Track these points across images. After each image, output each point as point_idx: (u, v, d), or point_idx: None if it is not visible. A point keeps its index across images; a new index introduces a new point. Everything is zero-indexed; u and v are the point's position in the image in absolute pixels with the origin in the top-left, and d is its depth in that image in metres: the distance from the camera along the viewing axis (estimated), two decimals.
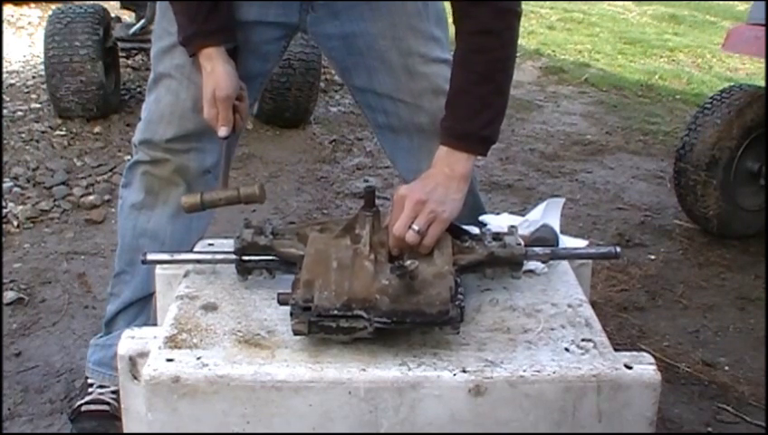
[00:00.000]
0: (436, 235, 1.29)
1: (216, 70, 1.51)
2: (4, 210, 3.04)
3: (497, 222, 1.49)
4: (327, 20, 1.63)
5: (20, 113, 4.06)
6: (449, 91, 1.42)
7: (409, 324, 1.16)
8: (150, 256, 1.40)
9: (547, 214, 1.51)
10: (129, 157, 1.97)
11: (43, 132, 3.82)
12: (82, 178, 3.40)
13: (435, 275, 1.21)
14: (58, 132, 3.84)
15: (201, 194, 1.45)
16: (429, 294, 1.17)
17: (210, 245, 1.51)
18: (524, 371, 1.12)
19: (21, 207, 3.09)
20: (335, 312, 1.14)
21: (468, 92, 1.39)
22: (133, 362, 1.20)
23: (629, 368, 1.13)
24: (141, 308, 1.82)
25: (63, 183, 3.33)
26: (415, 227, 1.27)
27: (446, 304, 1.16)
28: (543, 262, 1.39)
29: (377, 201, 1.34)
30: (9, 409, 2.00)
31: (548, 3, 8.00)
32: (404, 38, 1.62)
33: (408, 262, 1.17)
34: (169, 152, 1.68)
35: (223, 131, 1.51)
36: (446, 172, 1.35)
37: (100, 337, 1.92)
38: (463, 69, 1.40)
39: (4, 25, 5.55)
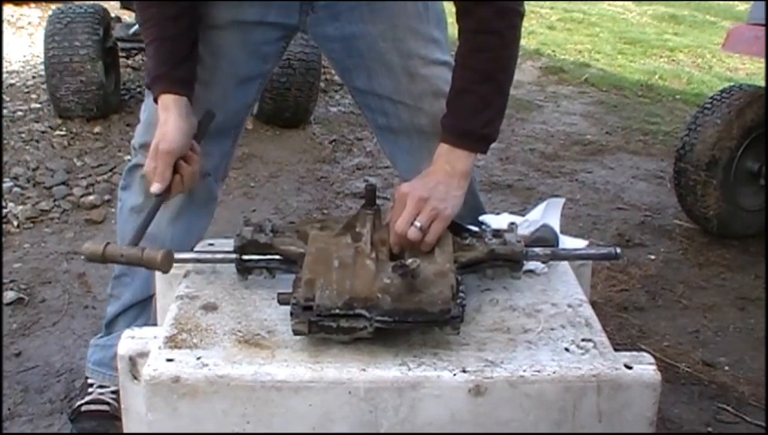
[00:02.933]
0: (437, 232, 1.29)
1: (168, 122, 1.44)
2: (5, 210, 3.04)
3: (497, 222, 1.49)
4: (327, 21, 1.63)
5: (20, 113, 4.06)
6: (451, 89, 1.43)
7: (411, 323, 1.15)
8: None
9: (547, 214, 1.51)
10: (128, 157, 1.97)
11: (43, 132, 3.82)
12: (82, 178, 3.40)
13: (436, 273, 1.21)
14: (58, 132, 3.84)
15: (105, 245, 1.31)
16: (431, 292, 1.17)
17: (210, 244, 1.51)
18: (524, 371, 1.12)
19: (21, 207, 3.09)
20: (337, 311, 1.14)
21: (470, 91, 1.39)
22: (133, 362, 1.20)
23: (629, 368, 1.13)
24: (142, 310, 1.82)
25: (63, 183, 3.33)
26: (417, 223, 1.27)
27: (447, 302, 1.16)
28: (543, 262, 1.39)
29: (377, 201, 1.34)
30: (9, 409, 2.00)
31: (548, 3, 8.01)
32: (404, 40, 1.62)
33: (410, 260, 1.17)
34: None
35: (155, 187, 1.42)
36: (446, 170, 1.35)
37: (101, 337, 1.91)
38: (465, 67, 1.40)
39: (5, 25, 5.55)
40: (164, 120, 1.44)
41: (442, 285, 1.18)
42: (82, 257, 1.33)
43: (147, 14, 1.51)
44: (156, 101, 1.49)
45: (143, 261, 1.28)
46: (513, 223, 1.40)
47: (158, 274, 1.43)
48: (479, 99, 1.39)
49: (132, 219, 1.75)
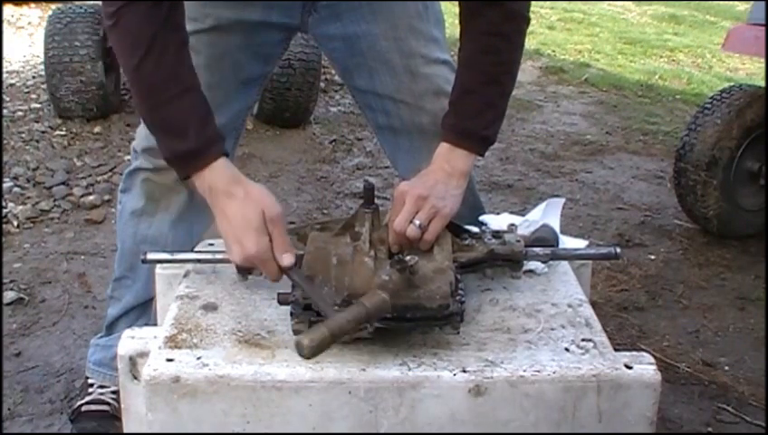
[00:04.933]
0: (436, 230, 1.29)
1: (251, 189, 1.25)
2: (5, 210, 3.04)
3: (497, 222, 1.49)
4: (329, 21, 1.63)
5: (20, 113, 4.06)
6: (454, 89, 1.43)
7: (410, 320, 1.15)
8: (150, 256, 1.39)
9: (547, 214, 1.51)
10: (128, 157, 1.96)
11: (43, 132, 3.83)
12: (82, 178, 3.40)
13: (435, 270, 1.21)
14: (58, 132, 3.84)
15: (329, 331, 1.07)
16: (429, 288, 1.17)
17: (210, 245, 1.50)
18: (524, 371, 1.12)
19: (21, 207, 3.09)
20: (335, 308, 1.14)
21: (474, 92, 1.40)
22: (133, 362, 1.20)
23: (629, 368, 1.13)
24: (142, 312, 1.82)
25: (63, 183, 3.33)
26: (416, 222, 1.27)
27: (446, 298, 1.16)
28: (543, 262, 1.39)
29: (377, 201, 1.34)
30: (9, 409, 2.00)
31: (548, 3, 8.01)
32: (405, 39, 1.62)
33: (408, 257, 1.18)
34: None
35: (289, 258, 1.22)
36: (445, 169, 1.35)
37: (101, 337, 1.91)
38: (470, 68, 1.40)
39: (5, 25, 5.55)
40: (244, 192, 1.24)
41: (440, 281, 1.19)
42: (306, 356, 1.04)
43: (156, 63, 1.26)
44: (185, 174, 1.29)
45: (372, 315, 1.09)
46: (512, 224, 1.40)
47: (158, 273, 1.43)
48: (483, 100, 1.40)
49: (133, 223, 1.75)
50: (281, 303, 1.22)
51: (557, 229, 1.47)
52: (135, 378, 1.20)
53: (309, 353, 1.03)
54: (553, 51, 6.50)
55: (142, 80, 1.27)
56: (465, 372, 1.11)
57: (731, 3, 9.30)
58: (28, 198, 3.19)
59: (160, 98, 1.27)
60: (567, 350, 1.17)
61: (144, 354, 1.18)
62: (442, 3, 1.70)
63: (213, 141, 1.28)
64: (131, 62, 1.26)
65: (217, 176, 1.26)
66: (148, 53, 1.24)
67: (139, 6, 1.25)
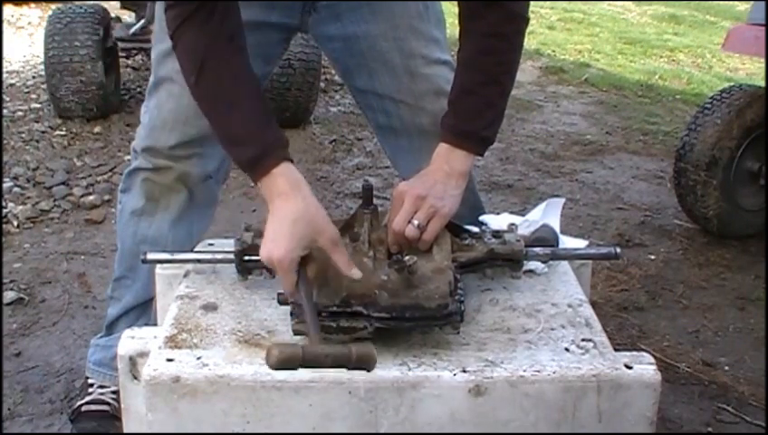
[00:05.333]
0: (435, 230, 1.29)
1: (310, 199, 1.22)
2: (4, 210, 3.04)
3: (497, 222, 1.49)
4: (329, 21, 1.63)
5: (20, 113, 4.06)
6: (453, 89, 1.43)
7: (409, 320, 1.16)
8: (150, 256, 1.40)
9: (547, 214, 1.51)
10: (128, 157, 1.96)
11: (43, 132, 3.83)
12: (82, 178, 3.40)
13: (434, 270, 1.21)
14: (58, 132, 3.84)
15: (302, 348, 1.00)
16: (428, 288, 1.17)
17: (210, 244, 1.50)
18: (524, 371, 1.12)
19: (21, 207, 3.09)
20: (334, 308, 1.14)
21: (474, 93, 1.40)
22: (133, 362, 1.20)
23: (629, 368, 1.13)
24: (142, 312, 1.82)
25: (63, 183, 3.33)
26: (415, 221, 1.27)
27: (445, 297, 1.16)
28: (543, 262, 1.39)
29: (376, 201, 1.34)
30: (9, 409, 2.00)
31: (548, 3, 8.01)
32: (406, 39, 1.62)
33: (407, 257, 1.18)
34: (172, 159, 1.66)
35: (357, 273, 1.19)
36: (444, 169, 1.35)
37: (101, 337, 1.91)
38: (470, 69, 1.40)
39: (5, 25, 5.55)
40: (305, 199, 1.22)
41: (439, 281, 1.19)
42: (270, 365, 0.98)
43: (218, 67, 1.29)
44: (253, 180, 1.26)
45: (353, 362, 1.01)
46: (512, 224, 1.40)
47: (158, 273, 1.43)
48: (483, 101, 1.40)
49: (133, 223, 1.75)
50: (281, 303, 1.22)
51: (557, 229, 1.47)
52: (135, 378, 1.20)
53: (274, 365, 0.97)
54: (553, 51, 6.50)
55: (201, 95, 1.31)
56: (465, 372, 1.11)
57: (731, 3, 9.30)
58: (28, 198, 3.19)
59: (220, 110, 1.30)
60: (567, 350, 1.17)
61: (144, 354, 1.18)
62: (442, 3, 1.70)
63: (273, 147, 1.27)
64: (190, 80, 1.31)
65: (281, 180, 1.24)
66: (202, 70, 1.28)
67: (193, 24, 1.28)
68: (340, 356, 1.00)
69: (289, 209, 1.21)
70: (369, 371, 1.03)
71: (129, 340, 1.22)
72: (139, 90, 4.44)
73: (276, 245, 1.18)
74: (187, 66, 1.32)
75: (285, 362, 0.98)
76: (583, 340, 1.20)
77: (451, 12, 1.49)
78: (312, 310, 1.11)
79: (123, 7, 4.53)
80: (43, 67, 4.08)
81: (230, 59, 1.30)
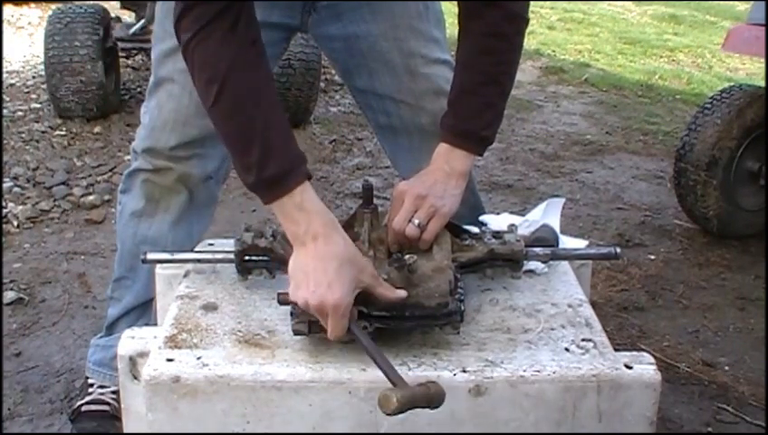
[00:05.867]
0: (435, 229, 1.29)
1: (348, 242, 1.18)
2: (5, 210, 3.04)
3: (497, 222, 1.49)
4: (329, 21, 1.63)
5: (20, 113, 4.06)
6: (453, 89, 1.43)
7: (409, 318, 1.15)
8: (150, 256, 1.40)
9: (547, 214, 1.51)
10: (128, 157, 1.96)
11: (43, 132, 3.83)
12: (82, 178, 3.40)
13: (434, 269, 1.21)
14: (58, 132, 3.84)
15: (397, 394, 1.02)
16: (428, 286, 1.17)
17: (210, 244, 1.50)
18: (524, 371, 1.12)
19: (21, 207, 3.09)
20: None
21: (473, 93, 1.39)
22: (133, 362, 1.20)
23: (629, 368, 1.13)
24: (143, 312, 1.82)
25: (63, 183, 3.33)
26: (415, 221, 1.27)
27: (444, 296, 1.16)
28: (543, 262, 1.39)
29: (376, 201, 1.34)
30: (9, 409, 2.00)
31: (548, 3, 8.01)
32: (406, 39, 1.62)
33: (407, 256, 1.18)
34: (173, 160, 1.66)
35: (403, 292, 1.17)
36: (444, 169, 1.35)
37: (101, 337, 1.91)
38: (469, 69, 1.40)
39: (5, 25, 5.55)
40: (345, 242, 1.17)
41: (439, 280, 1.19)
42: (391, 411, 0.99)
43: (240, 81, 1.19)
44: (266, 202, 1.21)
45: (433, 398, 1.04)
46: (512, 224, 1.40)
47: (158, 273, 1.43)
48: (482, 101, 1.39)
49: (133, 224, 1.75)
50: (281, 303, 1.22)
51: (557, 229, 1.47)
52: (135, 378, 1.20)
53: (395, 410, 0.99)
54: (553, 51, 6.50)
55: (224, 109, 1.21)
56: (465, 372, 1.11)
57: (731, 3, 9.30)
58: (28, 198, 3.19)
59: (243, 125, 1.20)
60: (567, 350, 1.17)
61: (144, 354, 1.18)
62: (442, 3, 1.70)
63: (298, 163, 1.21)
64: (211, 91, 1.19)
65: (315, 217, 1.18)
66: (227, 82, 1.18)
67: (217, 29, 1.17)
68: (427, 396, 1.02)
69: (333, 252, 1.15)
70: (437, 407, 1.03)
71: (130, 340, 1.22)
72: (139, 90, 4.44)
73: (331, 290, 1.11)
74: (207, 76, 1.20)
75: (406, 406, 0.99)
76: (583, 340, 1.20)
77: (451, 12, 1.49)
78: (383, 357, 1.08)
79: (123, 7, 4.52)
80: (43, 67, 4.08)
81: (257, 69, 1.21)
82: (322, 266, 1.13)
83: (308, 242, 1.17)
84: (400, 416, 1.10)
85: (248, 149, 1.20)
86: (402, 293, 1.15)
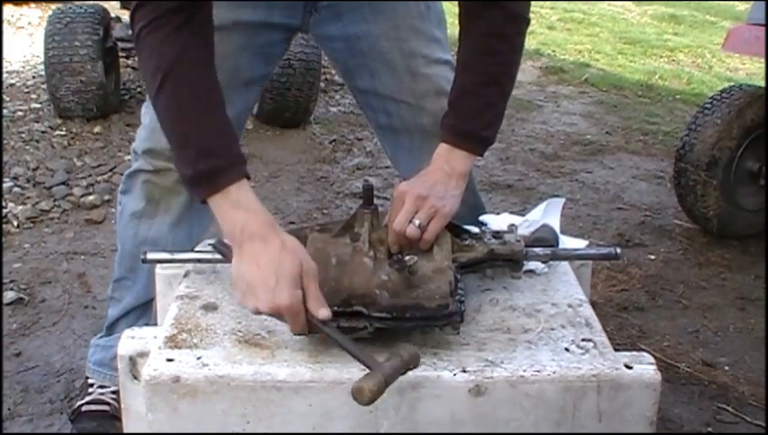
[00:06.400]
0: (436, 230, 1.29)
1: (287, 239, 1.17)
2: (5, 210, 3.04)
3: (497, 222, 1.49)
4: (330, 21, 1.63)
5: (20, 113, 4.06)
6: (453, 89, 1.43)
7: (409, 320, 1.16)
8: (150, 256, 1.39)
9: (547, 214, 1.51)
10: (128, 157, 1.96)
11: (43, 132, 3.83)
12: (82, 178, 3.40)
13: (434, 270, 1.21)
14: (58, 132, 3.84)
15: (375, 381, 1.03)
16: (429, 288, 1.17)
17: (210, 245, 1.50)
18: (524, 371, 1.12)
19: (21, 207, 3.09)
20: (335, 308, 1.14)
21: (474, 93, 1.39)
22: (133, 362, 1.20)
23: (629, 368, 1.13)
24: (143, 312, 1.82)
25: (63, 183, 3.33)
26: (416, 221, 1.27)
27: (445, 298, 1.16)
28: (543, 262, 1.39)
29: (376, 201, 1.34)
30: (9, 409, 2.00)
31: (548, 3, 8.01)
32: (407, 39, 1.62)
33: (408, 257, 1.18)
34: (173, 161, 1.66)
35: (326, 312, 1.12)
36: (445, 169, 1.35)
37: (101, 337, 1.92)
38: (470, 69, 1.40)
39: (5, 25, 5.55)
40: (283, 240, 1.16)
41: (440, 281, 1.19)
42: (365, 401, 1.01)
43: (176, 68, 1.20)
44: (201, 198, 1.21)
45: (410, 365, 1.07)
46: (512, 224, 1.40)
47: (158, 273, 1.43)
48: (483, 101, 1.39)
49: (133, 224, 1.75)
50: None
51: (557, 229, 1.47)
52: (135, 378, 1.20)
53: (369, 399, 1.00)
54: (553, 51, 6.50)
55: (165, 100, 1.23)
56: (465, 372, 1.11)
57: (731, 3, 9.30)
58: (28, 198, 3.19)
59: (184, 118, 1.22)
60: (567, 350, 1.17)
61: (144, 354, 1.18)
62: (443, 3, 1.70)
63: (237, 162, 1.22)
64: (153, 83, 1.21)
65: (251, 216, 1.18)
66: (170, 74, 1.20)
67: (165, 24, 1.20)
68: (400, 366, 1.04)
69: (274, 254, 1.14)
70: (416, 367, 1.06)
71: (130, 340, 1.22)
72: (139, 90, 4.44)
73: (275, 294, 1.11)
74: (154, 64, 1.22)
75: (379, 393, 1.01)
76: (583, 340, 1.20)
77: (452, 12, 1.49)
78: (349, 341, 1.10)
79: (123, 7, 4.53)
80: (43, 67, 4.08)
81: (204, 67, 1.23)
82: (262, 273, 1.13)
83: (244, 243, 1.16)
84: (400, 416, 1.10)
85: (187, 143, 1.22)
86: (326, 313, 1.12)
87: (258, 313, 1.15)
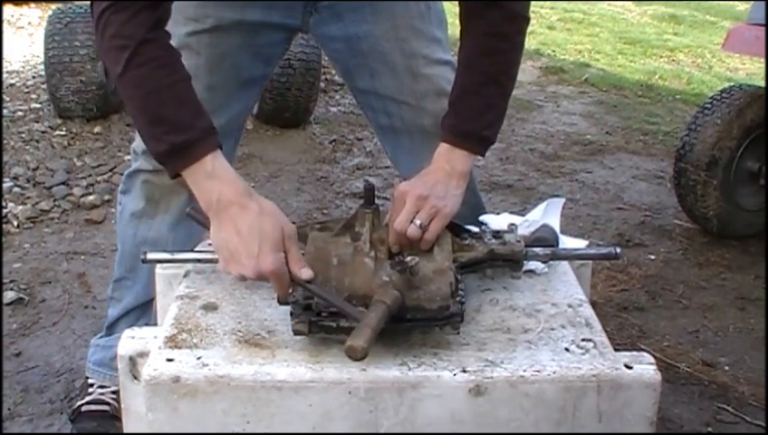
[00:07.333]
0: (437, 230, 1.29)
1: (265, 203, 1.21)
2: (5, 210, 3.04)
3: (497, 222, 1.49)
4: (330, 22, 1.63)
5: (20, 113, 4.06)
6: (454, 89, 1.43)
7: (410, 321, 1.15)
8: (150, 256, 1.39)
9: (547, 214, 1.51)
10: (128, 157, 1.96)
11: (43, 132, 3.83)
12: (82, 178, 3.41)
13: (435, 271, 1.21)
14: (58, 132, 3.84)
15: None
16: (429, 289, 1.17)
17: (210, 244, 1.50)
18: (524, 371, 1.12)
19: (21, 207, 3.10)
20: (335, 309, 1.14)
21: (475, 93, 1.39)
22: (133, 362, 1.20)
23: (629, 368, 1.13)
24: (143, 312, 1.82)
25: (63, 183, 3.33)
26: (417, 221, 1.27)
27: (446, 299, 1.16)
28: (543, 262, 1.39)
29: (377, 201, 1.34)
30: (9, 409, 2.00)
31: (548, 3, 8.01)
32: (407, 40, 1.62)
33: (409, 258, 1.18)
34: None
35: (308, 272, 1.16)
36: (446, 169, 1.35)
37: (101, 337, 1.92)
38: (471, 69, 1.40)
39: (5, 25, 5.55)
40: (260, 205, 1.20)
41: (441, 282, 1.19)
42: (359, 356, 1.05)
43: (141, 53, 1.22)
44: (175, 172, 1.22)
45: (391, 309, 1.12)
46: (512, 224, 1.40)
47: (158, 273, 1.43)
48: (483, 101, 1.39)
49: (133, 224, 1.75)
50: (281, 303, 1.22)
51: (557, 229, 1.47)
52: (135, 378, 1.20)
53: (363, 354, 1.04)
54: (553, 51, 6.50)
55: (132, 78, 1.22)
56: (465, 372, 1.11)
57: (731, 3, 9.30)
58: (28, 198, 3.19)
59: (152, 94, 1.23)
60: (567, 350, 1.17)
61: (144, 354, 1.18)
62: (443, 3, 1.70)
63: (208, 133, 1.23)
64: (119, 62, 1.22)
65: (226, 185, 1.20)
66: (137, 53, 1.21)
67: (130, 8, 1.23)
68: (384, 313, 1.10)
69: (252, 219, 1.17)
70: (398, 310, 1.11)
71: (129, 340, 1.22)
72: None
73: (262, 259, 1.15)
74: (119, 43, 1.23)
75: (370, 346, 1.05)
76: (583, 340, 1.20)
77: (452, 12, 1.49)
78: (332, 295, 1.15)
79: None
80: (43, 67, 4.08)
81: (168, 45, 1.25)
82: (244, 240, 1.16)
83: (221, 211, 1.19)
84: (400, 416, 1.10)
85: (157, 119, 1.22)
86: (309, 274, 1.16)
87: (244, 279, 1.19)
